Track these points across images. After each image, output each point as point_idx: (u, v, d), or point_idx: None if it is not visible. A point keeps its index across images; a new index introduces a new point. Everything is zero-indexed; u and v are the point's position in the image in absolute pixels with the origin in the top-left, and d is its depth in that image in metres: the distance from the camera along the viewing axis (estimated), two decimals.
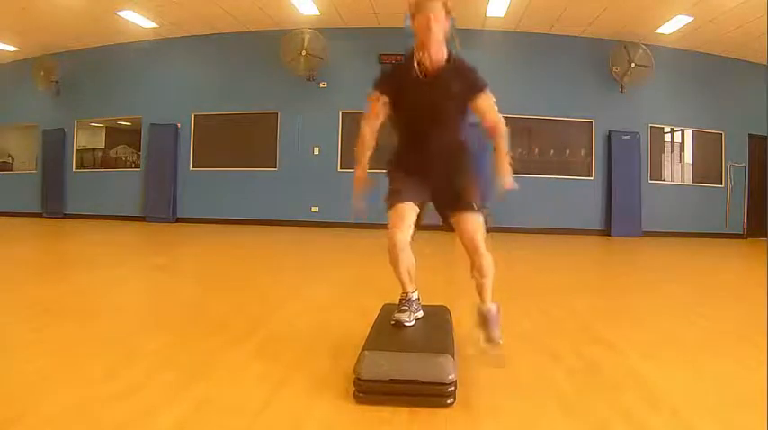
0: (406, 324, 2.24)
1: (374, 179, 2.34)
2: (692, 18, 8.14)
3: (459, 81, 2.19)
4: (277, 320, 3.03)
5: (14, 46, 10.21)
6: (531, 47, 9.49)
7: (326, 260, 6.06)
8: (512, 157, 2.27)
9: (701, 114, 9.74)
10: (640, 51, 9.17)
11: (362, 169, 2.36)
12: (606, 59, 9.34)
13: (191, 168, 10.20)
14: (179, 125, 10.15)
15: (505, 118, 2.29)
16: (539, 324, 3.10)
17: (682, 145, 10.30)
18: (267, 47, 9.53)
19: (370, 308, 2.59)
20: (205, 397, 1.87)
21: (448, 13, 2.15)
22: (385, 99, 2.24)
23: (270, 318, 3.06)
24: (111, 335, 2.64)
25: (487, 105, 2.23)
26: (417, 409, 1.78)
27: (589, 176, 9.67)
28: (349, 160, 9.53)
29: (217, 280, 4.62)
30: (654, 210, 9.47)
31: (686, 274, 5.73)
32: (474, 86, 2.21)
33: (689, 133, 10.09)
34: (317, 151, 9.77)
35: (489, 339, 2.23)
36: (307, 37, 9.27)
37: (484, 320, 2.27)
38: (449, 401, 1.81)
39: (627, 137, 9.50)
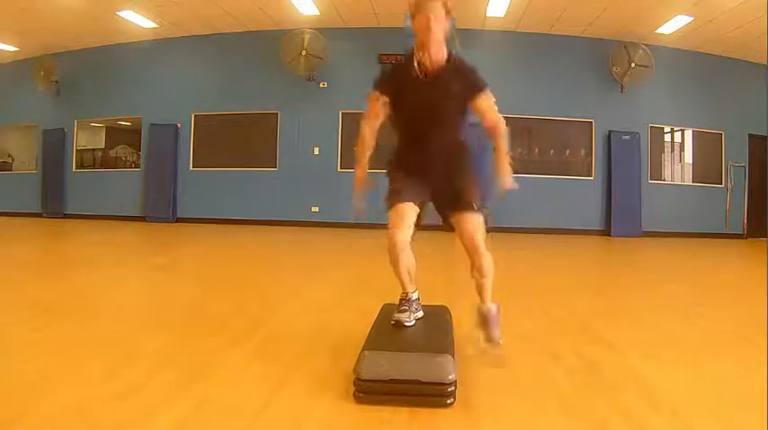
0: (406, 324, 2.25)
1: (374, 179, 2.34)
2: (692, 18, 8.14)
3: (459, 81, 2.19)
4: (277, 320, 3.03)
5: (14, 46, 10.21)
6: (531, 47, 9.49)
7: (326, 260, 6.06)
8: (512, 157, 2.28)
9: (701, 114, 9.74)
10: (640, 51, 9.17)
11: (362, 169, 2.36)
12: (606, 59, 9.34)
13: (191, 168, 10.20)
14: (179, 125, 10.15)
15: (505, 118, 2.29)
16: (539, 324, 3.09)
17: (682, 145, 10.30)
18: (267, 47, 9.53)
19: (370, 308, 2.59)
20: (205, 397, 1.87)
21: (448, 13, 2.15)
22: (385, 99, 2.24)
23: (270, 318, 3.06)
24: (111, 335, 2.64)
25: (487, 105, 2.23)
26: (417, 409, 1.78)
27: (589, 176, 9.67)
28: (349, 160, 9.53)
29: (217, 280, 4.62)
30: (654, 210, 9.47)
31: (686, 274, 5.73)
32: (474, 86, 2.21)
33: (689, 133, 10.09)
34: (316, 151, 9.77)
35: (489, 339, 2.23)
36: (307, 37, 9.27)
37: (484, 320, 2.27)
38: (449, 401, 1.81)
39: (627, 137, 9.50)
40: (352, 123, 9.34)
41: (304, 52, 9.30)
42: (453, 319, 2.48)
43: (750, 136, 9.85)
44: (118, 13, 8.73)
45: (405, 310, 2.28)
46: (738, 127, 9.78)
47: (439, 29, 2.12)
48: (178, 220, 10.06)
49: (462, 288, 3.86)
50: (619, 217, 9.38)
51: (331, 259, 6.16)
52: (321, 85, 9.70)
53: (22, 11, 8.37)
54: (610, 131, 9.54)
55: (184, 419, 1.68)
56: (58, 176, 10.71)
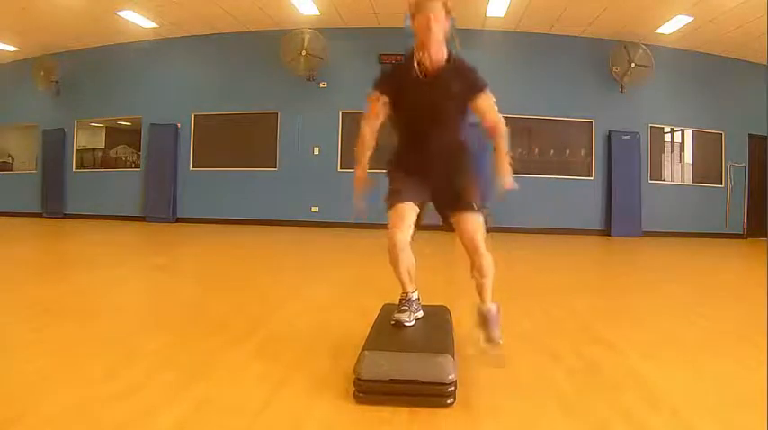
0: (406, 324, 2.25)
1: (374, 179, 2.34)
2: (692, 18, 8.14)
3: (460, 81, 2.19)
4: (277, 320, 3.03)
5: (14, 46, 10.21)
6: (531, 47, 9.49)
7: (326, 260, 6.06)
8: (512, 157, 2.28)
9: (701, 114, 9.74)
10: (640, 51, 9.17)
11: (363, 169, 2.36)
12: (606, 59, 9.34)
13: (191, 168, 10.20)
14: (179, 125, 10.15)
15: (505, 118, 2.30)
16: (539, 324, 3.09)
17: (682, 145, 10.30)
18: (267, 47, 9.53)
19: (370, 308, 2.59)
20: (205, 397, 1.87)
21: (448, 13, 2.15)
22: (385, 99, 2.24)
23: (270, 318, 3.06)
24: (111, 335, 2.64)
25: (487, 105, 2.23)
26: (417, 409, 1.78)
27: (589, 176, 9.67)
28: (349, 160, 9.53)
29: (217, 280, 4.62)
30: (654, 210, 9.47)
31: (686, 274, 5.73)
32: (474, 86, 2.21)
33: (689, 133, 10.09)
34: (317, 151, 9.77)
35: (489, 339, 2.23)
36: (307, 37, 9.27)
37: (484, 320, 2.27)
38: (449, 401, 1.81)
39: (627, 137, 9.50)
40: (352, 123, 9.34)
41: (304, 52, 9.30)
42: (453, 319, 2.48)
43: (750, 136, 9.85)
44: (118, 13, 8.73)
45: (405, 310, 2.28)
46: (738, 127, 9.78)
47: (439, 29, 2.12)
48: (178, 220, 10.06)
49: (462, 288, 3.86)
50: (619, 217, 9.38)
51: (331, 259, 6.16)
52: (321, 85, 9.70)
53: (22, 11, 8.37)
54: (610, 131, 9.54)
55: (184, 419, 1.68)
56: (58, 176, 10.71)
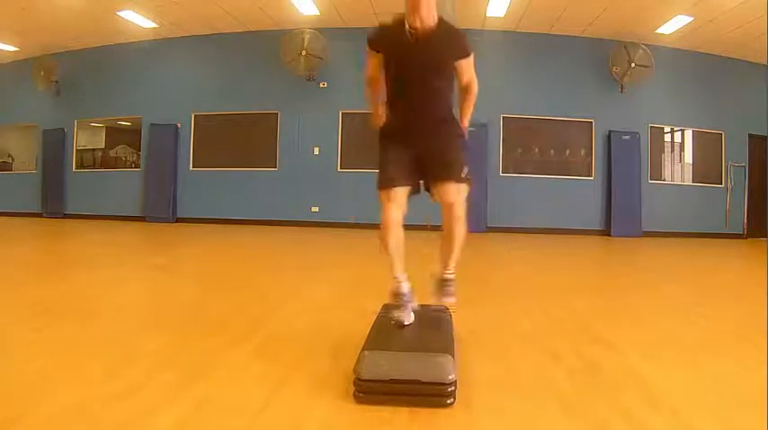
0: (406, 322, 2.25)
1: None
2: (692, 18, 8.14)
3: (449, 43, 2.29)
4: (277, 320, 3.03)
5: (14, 46, 10.21)
6: (531, 47, 9.49)
7: (326, 260, 6.06)
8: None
9: (701, 114, 9.75)
10: (640, 51, 9.17)
11: (377, 111, 2.48)
12: (606, 59, 9.34)
13: (191, 168, 10.20)
14: (179, 125, 10.15)
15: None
16: (539, 324, 3.09)
17: (682, 145, 10.30)
18: (267, 47, 9.53)
19: (370, 308, 2.59)
20: (205, 397, 1.87)
21: None
22: (380, 56, 2.33)
23: (270, 318, 3.06)
24: (111, 335, 2.64)
25: (468, 65, 2.37)
26: (417, 409, 1.78)
27: (589, 176, 9.67)
28: (349, 160, 9.55)
29: (217, 280, 4.62)
30: (654, 210, 9.47)
31: (686, 274, 5.73)
32: (463, 50, 2.33)
33: (689, 133, 10.09)
34: (316, 151, 9.77)
35: (445, 306, 2.33)
36: (307, 37, 9.27)
37: (440, 287, 2.34)
38: (449, 401, 1.81)
39: (627, 137, 9.50)
40: (352, 123, 9.37)
41: (304, 52, 9.30)
42: (453, 319, 2.48)
43: (750, 136, 9.85)
44: (118, 13, 8.73)
45: (401, 306, 2.27)
46: (738, 127, 9.78)
47: None
48: (178, 220, 10.06)
49: (462, 288, 3.86)
50: (619, 217, 9.38)
51: (331, 259, 6.16)
52: (321, 85, 9.70)
53: (22, 11, 8.37)
54: (610, 131, 9.54)
55: (184, 419, 1.68)
56: (58, 176, 10.71)
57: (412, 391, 1.81)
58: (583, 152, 9.74)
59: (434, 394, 1.81)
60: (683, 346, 2.67)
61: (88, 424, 1.64)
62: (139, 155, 10.51)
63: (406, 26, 2.22)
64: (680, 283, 4.97)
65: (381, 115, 2.46)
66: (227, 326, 2.80)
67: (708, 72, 9.62)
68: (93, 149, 11.10)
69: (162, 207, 10.04)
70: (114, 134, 11.11)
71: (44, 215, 10.65)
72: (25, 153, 11.43)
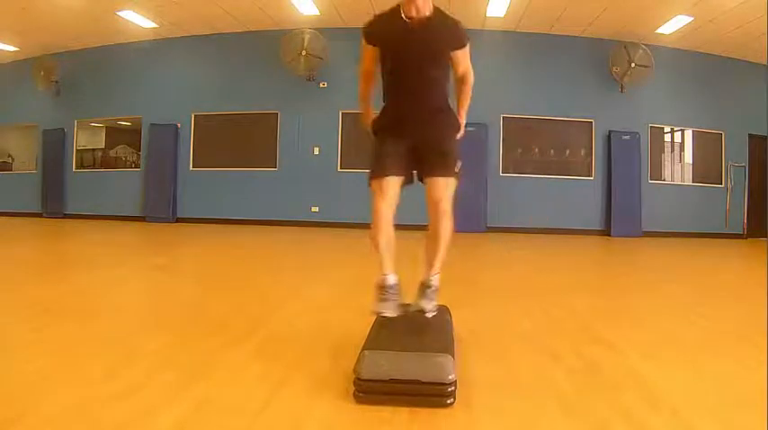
0: (388, 315, 2.21)
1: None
2: (692, 18, 8.14)
3: (445, 32, 2.30)
4: (277, 320, 3.03)
5: (14, 46, 10.21)
6: (531, 47, 9.50)
7: (326, 260, 6.06)
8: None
9: (701, 114, 9.75)
10: (640, 51, 9.17)
11: (367, 112, 2.53)
12: (606, 59, 9.34)
13: (191, 168, 10.20)
14: (179, 125, 10.15)
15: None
16: (539, 324, 3.09)
17: (682, 145, 10.30)
18: (267, 47, 9.53)
19: (370, 308, 2.58)
20: (205, 397, 1.87)
21: None
22: (375, 49, 2.34)
23: (270, 318, 3.06)
24: (111, 335, 2.64)
25: (464, 55, 2.38)
26: (417, 409, 1.78)
27: (589, 176, 9.67)
28: (349, 160, 9.54)
29: (217, 280, 4.61)
30: (654, 210, 9.47)
31: (686, 274, 5.73)
32: (459, 39, 2.34)
33: (689, 133, 10.09)
34: (316, 151, 9.77)
35: (422, 310, 2.27)
36: (307, 37, 9.27)
37: (423, 292, 2.30)
38: (449, 401, 1.81)
39: (627, 137, 9.50)
40: (352, 123, 9.36)
41: (304, 52, 9.30)
42: (453, 319, 2.48)
43: (750, 136, 9.85)
44: (118, 13, 8.73)
45: (384, 299, 2.25)
46: (738, 127, 9.78)
47: None
48: (178, 220, 10.06)
49: (462, 288, 3.87)
50: (619, 217, 9.38)
51: (331, 259, 6.16)
52: (321, 85, 9.70)
53: (22, 11, 8.37)
54: (610, 131, 9.54)
55: (184, 419, 1.68)
56: (58, 176, 10.71)
57: (412, 391, 1.81)
58: (583, 152, 9.74)
59: (434, 394, 1.81)
60: (683, 346, 2.67)
61: (88, 424, 1.64)
62: (139, 155, 10.51)
63: (402, 15, 2.23)
64: (680, 283, 4.97)
65: (371, 113, 2.48)
66: (227, 326, 2.80)
67: (708, 72, 9.63)
68: (93, 149, 11.10)
69: (162, 207, 10.04)
70: (114, 134, 11.12)
71: (44, 215, 10.66)
72: (25, 153, 11.43)
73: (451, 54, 2.33)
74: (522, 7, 8.38)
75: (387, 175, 2.25)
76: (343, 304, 3.48)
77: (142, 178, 10.32)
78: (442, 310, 2.53)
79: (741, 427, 1.73)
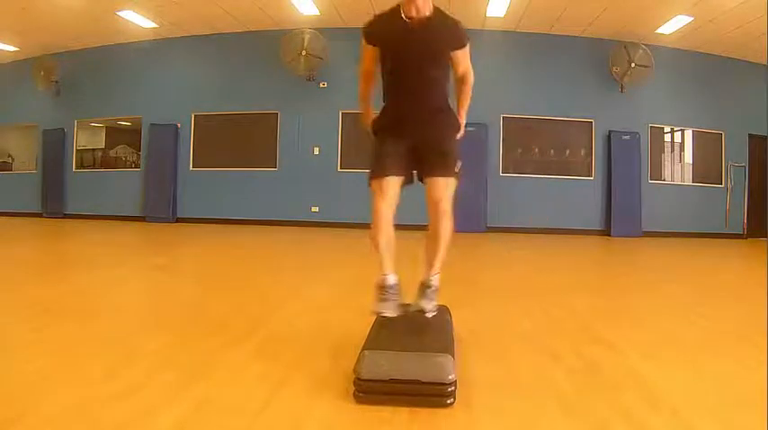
0: (388, 315, 2.21)
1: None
2: (692, 18, 8.14)
3: (446, 32, 2.30)
4: (277, 320, 3.03)
5: (14, 46, 10.21)
6: (531, 47, 9.50)
7: (326, 260, 6.06)
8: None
9: (701, 114, 9.75)
10: (640, 51, 9.17)
11: (367, 112, 2.52)
12: (606, 59, 9.34)
13: (191, 168, 10.20)
14: (179, 125, 10.15)
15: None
16: (539, 324, 3.09)
17: (682, 145, 10.30)
18: (267, 47, 9.53)
19: (370, 308, 2.58)
20: (205, 397, 1.87)
21: None
22: (375, 49, 2.35)
23: (270, 318, 3.06)
24: (111, 335, 2.64)
25: (464, 55, 2.38)
26: (417, 409, 1.78)
27: (589, 176, 9.67)
28: (349, 160, 9.54)
29: (217, 280, 4.62)
30: (654, 210, 9.47)
31: (686, 274, 5.73)
32: (459, 39, 2.34)
33: (689, 133, 10.09)
34: (316, 151, 9.77)
35: (422, 310, 2.27)
36: (307, 37, 9.27)
37: (423, 293, 2.30)
38: (449, 401, 1.81)
39: (627, 137, 9.50)
40: (352, 123, 9.36)
41: (304, 52, 9.30)
42: (453, 319, 2.48)
43: (750, 136, 9.86)
44: (118, 13, 8.73)
45: (384, 299, 2.25)
46: (738, 127, 9.78)
47: None
48: (178, 220, 10.06)
49: (462, 288, 3.87)
50: (619, 217, 9.38)
51: (331, 259, 6.16)
52: (321, 85, 9.70)
53: (22, 11, 8.37)
54: (610, 131, 9.54)
55: (184, 419, 1.68)
56: (58, 176, 10.71)
57: (412, 391, 1.80)
58: (583, 152, 9.74)
59: (434, 394, 1.81)
60: (683, 346, 2.67)
61: (88, 424, 1.64)
62: (139, 155, 10.51)
63: (402, 15, 2.23)
64: (680, 283, 4.97)
65: (371, 113, 2.48)
66: (227, 326, 2.80)
67: (708, 72, 9.63)
68: (93, 149, 11.10)
69: (162, 207, 10.04)
70: (114, 134, 11.12)
71: (44, 215, 10.66)
72: (25, 153, 11.43)
73: (451, 54, 2.33)
74: (522, 7, 8.38)
75: (387, 175, 2.25)
76: (343, 304, 3.48)
77: (142, 178, 10.32)
78: (442, 310, 2.52)
79: (741, 427, 1.73)
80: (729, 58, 9.55)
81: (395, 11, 2.27)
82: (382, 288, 2.27)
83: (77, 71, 10.48)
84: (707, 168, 9.95)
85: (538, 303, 3.59)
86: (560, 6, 8.27)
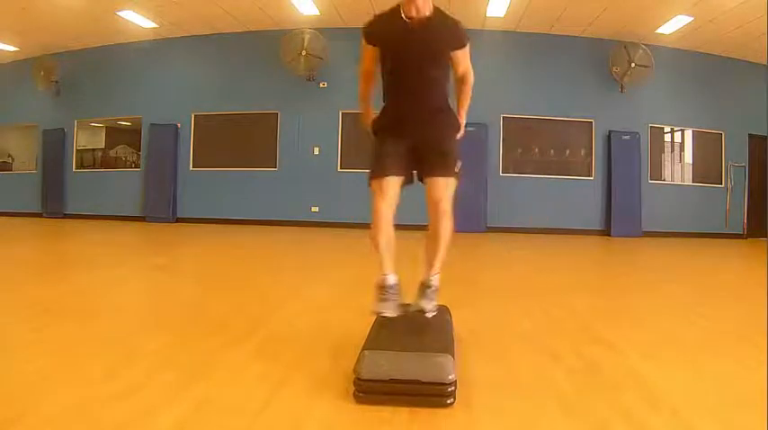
0: (388, 315, 2.21)
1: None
2: (692, 18, 8.14)
3: (446, 33, 2.31)
4: (277, 320, 3.03)
5: (14, 46, 10.21)
6: (531, 47, 9.50)
7: (326, 260, 6.06)
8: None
9: (701, 114, 9.75)
10: (640, 51, 9.17)
11: (367, 112, 2.52)
12: (606, 59, 9.34)
13: (191, 168, 10.20)
14: (179, 125, 10.15)
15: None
16: (539, 324, 3.09)
17: (682, 145, 10.30)
18: (267, 47, 9.53)
19: (370, 308, 2.58)
20: (205, 397, 1.87)
21: None
22: (375, 49, 2.35)
23: (270, 318, 3.06)
24: (111, 335, 2.64)
25: (464, 55, 2.38)
26: (417, 409, 1.78)
27: (589, 176, 9.67)
28: (349, 160, 9.54)
29: (217, 280, 4.61)
30: (654, 210, 9.47)
31: (686, 274, 5.73)
32: (459, 39, 2.35)
33: (689, 133, 10.09)
34: (316, 151, 9.77)
35: (422, 310, 2.27)
36: (307, 37, 9.27)
37: (423, 293, 2.30)
38: (449, 401, 1.81)
39: (627, 137, 9.50)
40: (352, 123, 9.36)
41: (304, 52, 9.30)
42: (453, 319, 2.48)
43: (750, 136, 9.86)
44: (118, 13, 8.73)
45: (384, 299, 2.25)
46: (738, 127, 9.78)
47: None
48: (178, 220, 10.06)
49: (462, 288, 3.87)
50: (619, 217, 9.38)
51: (331, 259, 6.16)
52: (321, 85, 9.70)
53: (22, 11, 8.37)
54: (610, 131, 9.54)
55: (184, 419, 1.68)
56: (58, 176, 10.71)
57: (412, 391, 1.80)
58: (583, 152, 9.74)
59: (434, 394, 1.81)
60: (683, 346, 2.67)
61: (88, 424, 1.64)
62: (139, 155, 10.51)
63: (402, 15, 2.23)
64: (680, 283, 4.97)
65: (371, 113, 2.49)
66: (227, 326, 2.80)
67: (708, 72, 9.63)
68: (93, 149, 11.10)
69: (162, 207, 10.04)
70: (114, 134, 11.12)
71: (44, 215, 10.66)
72: (25, 153, 11.43)
73: (451, 54, 2.33)
74: (522, 7, 8.38)
75: (387, 175, 2.26)
76: (343, 304, 3.48)
77: (142, 178, 10.32)
78: (442, 310, 2.52)
79: (741, 427, 1.73)
80: (729, 58, 9.55)
81: (395, 11, 2.27)
82: (382, 288, 2.27)
83: (77, 71, 10.48)
84: (707, 168, 9.95)
85: (538, 303, 3.59)
86: (560, 6, 8.27)
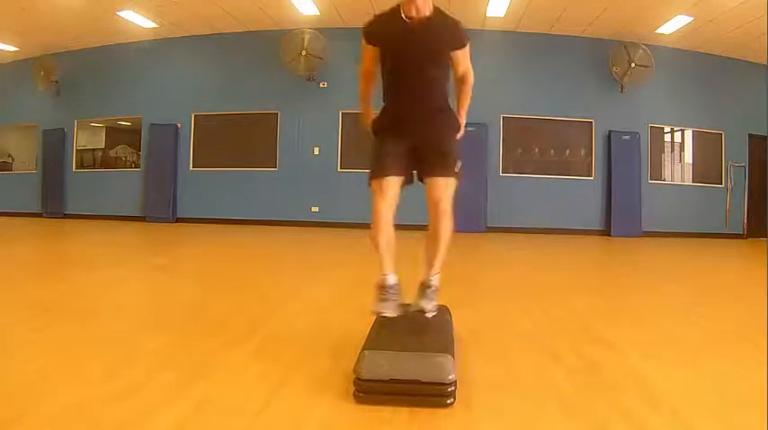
0: (388, 315, 2.21)
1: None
2: (692, 18, 8.14)
3: (446, 33, 2.31)
4: (277, 320, 3.03)
5: (14, 46, 10.21)
6: (531, 47, 9.50)
7: (326, 260, 6.06)
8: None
9: (701, 114, 9.75)
10: (640, 51, 9.17)
11: (367, 112, 2.53)
12: (606, 59, 9.34)
13: (191, 168, 10.20)
14: (179, 125, 10.15)
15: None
16: (539, 324, 3.09)
17: (682, 145, 10.30)
18: (267, 47, 9.53)
19: (370, 308, 2.58)
20: (205, 397, 1.87)
21: None
22: (375, 49, 2.35)
23: (270, 318, 3.06)
24: (111, 335, 2.64)
25: (464, 55, 2.39)
26: (417, 409, 1.78)
27: (589, 176, 9.67)
28: (349, 160, 9.55)
29: (217, 280, 4.61)
30: (654, 210, 9.47)
31: (686, 274, 5.73)
32: (459, 39, 2.35)
33: (689, 133, 10.10)
34: (316, 151, 9.77)
35: (422, 310, 2.27)
36: (307, 37, 9.27)
37: (423, 293, 2.30)
38: (449, 401, 1.81)
39: (627, 137, 9.50)
40: (352, 123, 9.37)
41: (304, 52, 9.30)
42: (453, 319, 2.48)
43: (750, 136, 9.86)
44: (118, 13, 8.73)
45: (384, 299, 2.25)
46: (738, 127, 9.78)
47: None
48: (178, 220, 10.07)
49: (462, 288, 3.87)
50: (619, 217, 9.38)
51: (331, 259, 6.16)
52: (321, 85, 9.70)
53: (22, 11, 8.37)
54: (610, 131, 9.54)
55: (184, 419, 1.68)
56: (58, 176, 10.71)
57: (412, 391, 1.80)
58: (583, 152, 9.74)
59: (434, 394, 1.81)
60: (683, 346, 2.67)
61: (88, 424, 1.64)
62: (139, 155, 10.51)
63: (402, 15, 2.23)
64: (680, 283, 4.97)
65: (371, 113, 2.49)
66: (227, 326, 2.80)
67: (708, 72, 9.63)
68: (93, 149, 11.11)
69: (162, 207, 10.04)
70: (114, 134, 11.12)
71: (44, 215, 10.66)
72: (25, 153, 11.43)
73: (451, 54, 2.33)
74: (522, 7, 8.38)
75: (387, 175, 2.26)
76: (343, 304, 3.48)
77: (142, 178, 10.32)
78: (442, 310, 2.52)
79: (741, 427, 1.73)
80: (729, 58, 9.55)
81: (395, 11, 2.27)
82: (382, 288, 2.27)
83: (77, 71, 10.48)
84: (707, 168, 9.95)
85: (538, 303, 3.59)
86: (560, 6, 8.27)
